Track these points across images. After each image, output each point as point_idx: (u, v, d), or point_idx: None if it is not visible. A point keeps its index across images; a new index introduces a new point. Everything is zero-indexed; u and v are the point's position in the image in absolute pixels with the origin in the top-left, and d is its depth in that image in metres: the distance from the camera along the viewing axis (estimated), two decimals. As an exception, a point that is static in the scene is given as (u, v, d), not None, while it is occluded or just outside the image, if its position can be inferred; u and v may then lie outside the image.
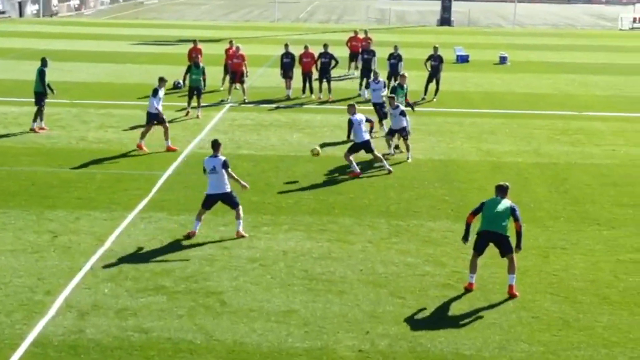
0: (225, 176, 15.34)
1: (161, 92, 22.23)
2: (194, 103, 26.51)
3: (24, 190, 18.35)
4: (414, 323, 12.07)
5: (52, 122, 25.18)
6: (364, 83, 30.80)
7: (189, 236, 15.42)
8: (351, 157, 19.93)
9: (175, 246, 15.02)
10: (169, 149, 21.86)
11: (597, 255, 14.98)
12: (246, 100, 29.14)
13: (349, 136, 20.94)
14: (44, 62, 24.35)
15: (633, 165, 21.48)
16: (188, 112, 25.63)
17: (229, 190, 15.44)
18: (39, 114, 24.03)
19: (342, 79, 34.38)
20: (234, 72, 29.12)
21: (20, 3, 65.81)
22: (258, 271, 13.92)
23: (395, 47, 30.79)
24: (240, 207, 15.52)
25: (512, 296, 13.00)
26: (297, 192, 18.52)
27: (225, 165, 15.28)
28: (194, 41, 31.71)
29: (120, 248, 14.87)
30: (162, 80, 22.49)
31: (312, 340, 11.51)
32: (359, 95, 30.70)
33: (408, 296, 13.01)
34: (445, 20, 65.64)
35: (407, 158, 21.31)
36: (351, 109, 20.11)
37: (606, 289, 13.44)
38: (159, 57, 41.65)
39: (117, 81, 34.02)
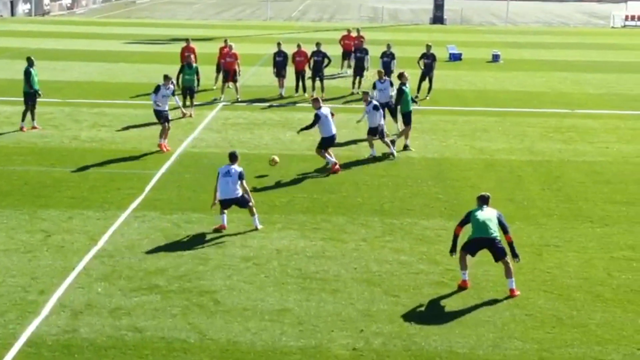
0: (238, 182, 15.58)
1: (165, 90, 21.93)
2: (187, 102, 26.47)
3: (16, 189, 18.30)
4: (408, 321, 12.08)
5: (45, 122, 25.11)
6: (356, 81, 30.84)
7: (219, 230, 15.61)
8: (325, 153, 20.00)
9: (168, 245, 15.00)
10: (160, 147, 21.74)
11: (590, 252, 15.01)
12: (239, 99, 29.13)
13: (303, 129, 20.79)
14: (29, 62, 24.24)
15: (626, 162, 21.53)
16: (184, 114, 25.52)
17: (240, 194, 15.66)
18: (27, 114, 23.94)
19: (335, 78, 34.38)
20: (227, 70, 29.08)
21: (11, 2, 65.61)
22: (252, 270, 13.91)
23: (388, 46, 30.81)
24: (251, 203, 15.78)
25: (512, 296, 13.02)
26: (291, 190, 18.51)
27: (241, 176, 15.59)
28: (187, 40, 31.67)
29: (113, 247, 14.84)
30: (166, 78, 22.24)
31: (306, 339, 11.50)
32: (352, 93, 30.72)
33: (402, 294, 13.02)
34: (437, 18, 65.69)
35: (391, 155, 21.36)
36: (316, 103, 20.14)
37: (599, 286, 13.47)
38: (151, 56, 41.58)
39: (110, 80, 33.94)
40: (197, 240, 15.25)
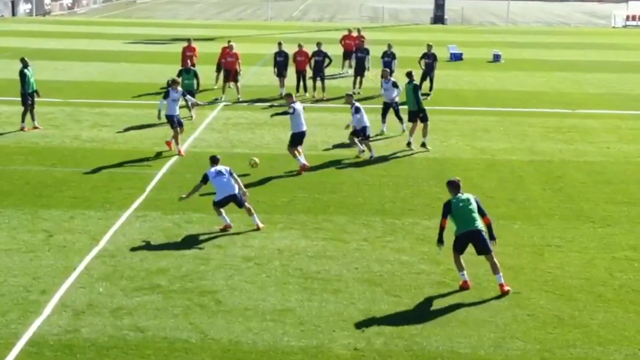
0: (232, 179, 15.80)
1: (174, 94, 21.64)
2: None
3: (17, 189, 18.31)
4: (410, 321, 12.08)
5: (46, 121, 25.12)
6: (357, 81, 30.85)
7: (225, 229, 15.68)
8: (295, 151, 19.96)
9: (170, 245, 15.01)
10: (168, 144, 21.75)
11: (591, 252, 15.01)
12: (240, 99, 29.14)
13: (278, 114, 20.83)
14: (23, 63, 24.20)
15: (627, 162, 21.53)
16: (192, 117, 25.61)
17: (237, 189, 15.84)
18: (26, 114, 23.92)
19: (336, 78, 34.39)
20: (228, 70, 29.09)
21: (12, 2, 65.63)
22: (253, 270, 13.92)
23: (389, 46, 30.82)
24: (247, 200, 15.94)
25: (505, 293, 13.02)
26: (292, 190, 18.51)
27: (231, 172, 15.88)
28: (189, 40, 31.74)
29: (115, 247, 14.85)
30: (174, 82, 22.07)
31: (308, 339, 11.51)
32: (353, 93, 30.64)
33: (403, 294, 13.02)
34: (438, 18, 65.69)
35: (371, 157, 21.34)
36: (289, 99, 20.13)
37: (601, 286, 13.47)
38: (152, 56, 41.58)
39: (111, 80, 33.95)
40: (198, 240, 15.26)
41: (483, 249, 13.09)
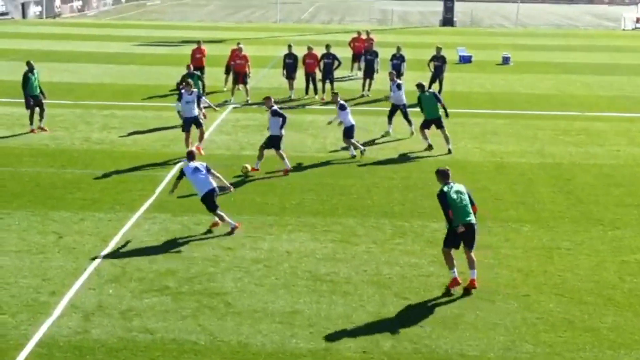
0: (209, 176, 15.79)
1: (187, 96, 21.49)
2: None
3: (28, 191, 18.37)
4: (419, 324, 12.07)
5: (56, 123, 25.21)
6: (366, 84, 30.86)
7: (232, 232, 15.68)
8: (263, 154, 19.96)
9: (179, 247, 15.03)
10: (198, 149, 21.47)
11: (601, 255, 14.96)
12: (249, 101, 29.16)
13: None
14: (29, 67, 24.12)
15: (636, 165, 21.46)
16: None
17: (215, 185, 15.85)
18: (33, 116, 23.94)
19: (345, 80, 34.38)
20: (237, 73, 29.12)
21: (23, 4, 65.87)
22: (262, 272, 13.93)
23: (398, 48, 30.80)
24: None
25: (473, 287, 13.04)
26: (301, 193, 18.52)
27: (208, 168, 15.87)
28: (198, 42, 31.83)
29: (124, 249, 14.89)
30: (187, 85, 21.95)
31: (317, 341, 11.51)
32: (362, 95, 30.72)
33: (412, 297, 13.01)
34: (447, 20, 65.59)
35: (352, 155, 21.53)
36: (268, 102, 20.08)
37: (611, 289, 13.42)
38: (162, 58, 41.67)
39: (120, 82, 34.03)
40: (207, 242, 15.28)
41: (470, 244, 13.05)
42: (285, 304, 12.70)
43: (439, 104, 22.37)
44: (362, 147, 21.73)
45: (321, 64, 29.73)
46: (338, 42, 40.12)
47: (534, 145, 23.43)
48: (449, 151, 22.26)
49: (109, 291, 13.02)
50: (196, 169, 15.70)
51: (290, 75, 29.93)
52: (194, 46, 31.78)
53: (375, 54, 30.84)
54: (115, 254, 14.61)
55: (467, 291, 13.16)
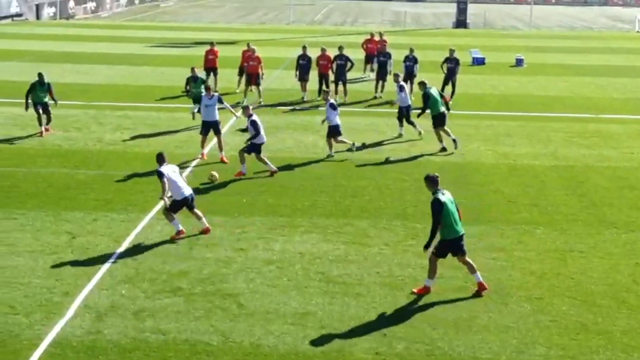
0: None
1: (207, 100, 21.34)
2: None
3: (41, 191, 18.45)
4: (431, 326, 12.04)
5: (69, 124, 25.33)
6: (379, 85, 30.84)
7: (177, 237, 15.46)
8: (244, 158, 19.79)
9: (191, 248, 15.06)
10: (222, 160, 21.30)
11: (615, 258, 14.89)
12: (262, 103, 29.19)
13: (250, 140, 20.31)
14: (39, 77, 23.91)
15: (651, 168, 21.36)
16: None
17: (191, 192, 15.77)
18: (41, 119, 23.97)
19: (358, 82, 34.37)
20: (250, 74, 29.17)
21: (37, 5, 66.20)
22: (274, 273, 13.94)
23: (411, 50, 30.76)
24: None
25: (484, 289, 13.04)
26: (313, 194, 18.52)
27: (180, 172, 15.81)
28: (211, 43, 31.92)
29: (136, 250, 14.92)
30: (207, 89, 21.97)
31: (329, 343, 11.50)
32: (375, 97, 30.70)
33: (425, 299, 12.98)
34: (461, 22, 65.49)
35: (330, 155, 21.74)
36: (247, 111, 19.95)
37: (625, 292, 13.35)
38: (175, 59, 41.77)
39: (133, 83, 34.15)
40: (220, 243, 15.30)
41: (463, 251, 13.04)
42: (297, 305, 12.70)
43: (442, 100, 22.65)
44: (332, 152, 21.84)
45: (334, 65, 29.73)
46: (351, 43, 40.15)
47: (547, 148, 23.35)
48: (454, 142, 22.58)
49: (122, 292, 13.06)
50: (173, 172, 15.53)
51: (303, 76, 29.95)
52: (207, 47, 31.85)
53: (389, 56, 30.83)
54: (128, 255, 14.64)
55: (478, 293, 13.11)
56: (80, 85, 32.98)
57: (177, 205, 15.48)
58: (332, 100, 21.93)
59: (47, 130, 24.13)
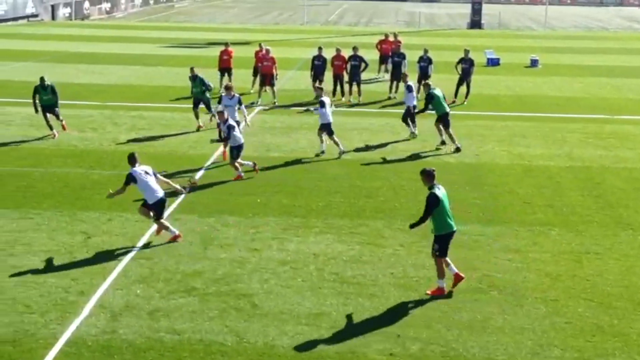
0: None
1: (228, 100, 21.36)
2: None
3: (57, 191, 18.53)
4: (446, 327, 12.01)
5: (84, 124, 25.43)
6: (394, 86, 30.81)
7: (174, 240, 15.34)
8: (235, 164, 19.66)
9: (205, 248, 15.08)
10: (223, 155, 21.41)
11: (631, 260, 14.80)
12: (276, 103, 29.21)
13: (219, 140, 20.48)
14: (40, 82, 23.79)
15: (667, 169, 21.22)
16: (199, 127, 25.20)
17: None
18: (48, 121, 23.97)
19: (372, 82, 34.34)
20: (264, 75, 29.20)
21: (52, 6, 66.53)
22: (289, 274, 13.93)
23: (425, 50, 30.71)
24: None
25: (461, 279, 13.15)
26: (328, 195, 18.51)
27: (155, 172, 15.43)
28: (226, 44, 32.00)
29: (151, 250, 14.96)
30: (227, 88, 21.93)
31: (343, 343, 11.48)
32: (389, 97, 30.66)
33: (439, 300, 12.94)
34: (475, 23, 65.34)
35: (322, 151, 21.86)
36: (222, 116, 19.72)
37: (641, 294, 13.28)
38: (189, 59, 41.79)
39: (148, 83, 34.25)
40: (234, 244, 15.31)
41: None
42: (311, 305, 12.69)
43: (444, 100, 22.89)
44: (324, 148, 21.94)
45: (348, 66, 29.72)
46: (365, 44, 40.11)
47: (562, 148, 23.25)
48: (457, 150, 22.61)
49: (137, 291, 13.09)
50: (146, 173, 15.24)
51: (317, 77, 29.94)
52: (222, 48, 31.92)
53: (403, 56, 30.79)
54: (142, 255, 14.68)
55: (455, 284, 13.18)
56: (95, 85, 33.10)
57: (150, 208, 15.20)
58: (324, 98, 21.85)
59: (63, 128, 24.19)
